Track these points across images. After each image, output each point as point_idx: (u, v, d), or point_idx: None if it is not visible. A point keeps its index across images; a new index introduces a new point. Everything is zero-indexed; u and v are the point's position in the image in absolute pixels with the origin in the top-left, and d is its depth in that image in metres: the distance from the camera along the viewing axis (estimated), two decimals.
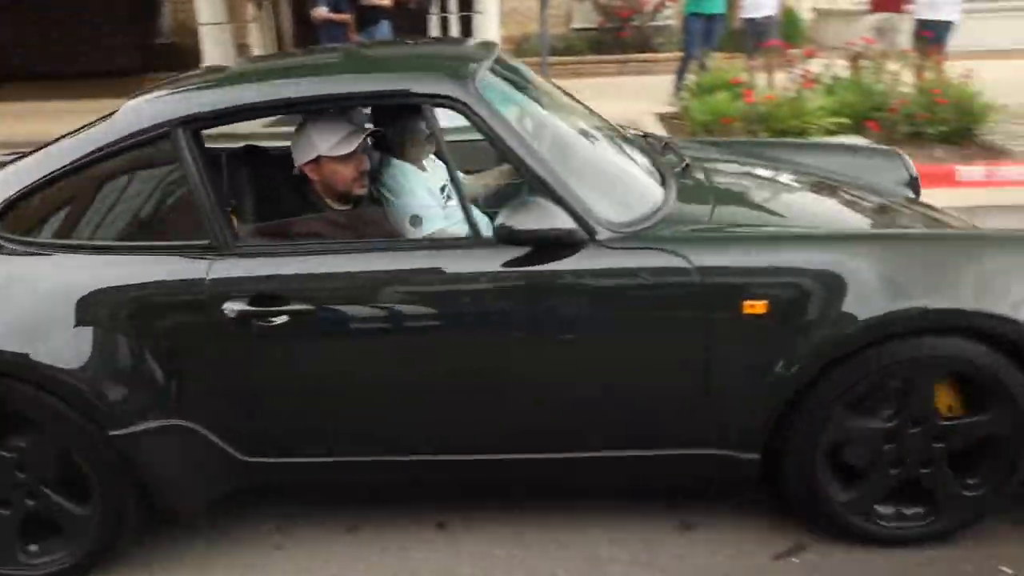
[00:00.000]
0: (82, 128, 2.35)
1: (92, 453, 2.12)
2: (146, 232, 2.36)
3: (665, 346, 2.10)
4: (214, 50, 10.50)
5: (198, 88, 2.36)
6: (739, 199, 2.63)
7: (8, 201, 2.22)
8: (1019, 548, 2.20)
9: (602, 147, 2.54)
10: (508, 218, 2.00)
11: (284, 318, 2.08)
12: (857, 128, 6.00)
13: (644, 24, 11.14)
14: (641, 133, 3.05)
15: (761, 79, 6.74)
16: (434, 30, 10.42)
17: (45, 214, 2.30)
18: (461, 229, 2.45)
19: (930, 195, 3.11)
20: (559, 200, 2.04)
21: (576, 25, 11.76)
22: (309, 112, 2.40)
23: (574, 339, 2.10)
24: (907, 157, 3.16)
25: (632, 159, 2.54)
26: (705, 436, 2.16)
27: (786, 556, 2.23)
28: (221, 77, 2.51)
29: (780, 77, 6.67)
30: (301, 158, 2.43)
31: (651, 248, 2.06)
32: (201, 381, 2.15)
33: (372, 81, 2.33)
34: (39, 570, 2.22)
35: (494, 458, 2.23)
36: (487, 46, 2.67)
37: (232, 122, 2.22)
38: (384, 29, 8.33)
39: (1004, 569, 2.14)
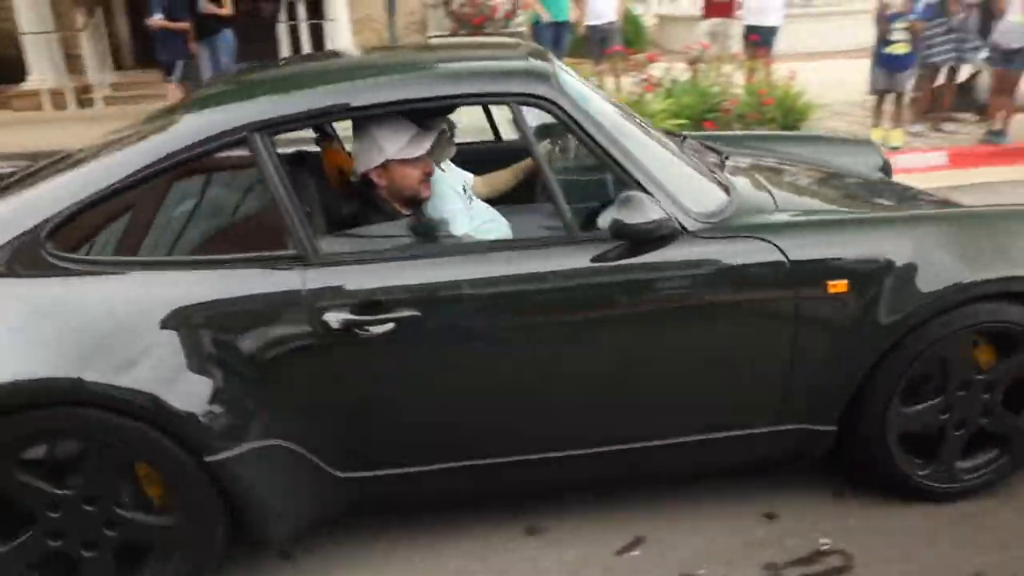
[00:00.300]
0: (124, 137, 2.15)
1: (183, 481, 1.97)
2: (224, 244, 2.17)
3: (758, 328, 2.20)
4: (40, 62, 9.79)
5: (273, 91, 2.23)
6: (784, 187, 2.69)
7: (59, 219, 2.01)
8: (838, 520, 2.38)
9: (664, 143, 2.54)
10: (618, 213, 2.05)
11: (390, 326, 2.01)
12: (695, 129, 6.29)
13: (496, 31, 11.29)
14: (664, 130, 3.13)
15: (608, 83, 6.97)
16: (283, 39, 10.11)
17: (105, 230, 2.11)
18: (488, 231, 2.49)
19: None
20: (653, 195, 2.11)
21: (431, 33, 11.76)
22: (387, 116, 2.29)
23: (678, 327, 2.17)
24: (879, 145, 3.47)
25: (686, 154, 2.58)
26: (791, 412, 2.26)
27: (628, 550, 2.31)
28: (292, 78, 2.37)
29: (625, 81, 6.91)
30: (367, 163, 2.35)
31: (741, 236, 2.16)
32: (300, 396, 2.05)
33: (461, 83, 2.21)
34: None
35: (601, 451, 2.25)
36: (536, 49, 2.60)
37: (311, 125, 2.11)
38: (227, 38, 8.02)
39: (823, 541, 2.30)
